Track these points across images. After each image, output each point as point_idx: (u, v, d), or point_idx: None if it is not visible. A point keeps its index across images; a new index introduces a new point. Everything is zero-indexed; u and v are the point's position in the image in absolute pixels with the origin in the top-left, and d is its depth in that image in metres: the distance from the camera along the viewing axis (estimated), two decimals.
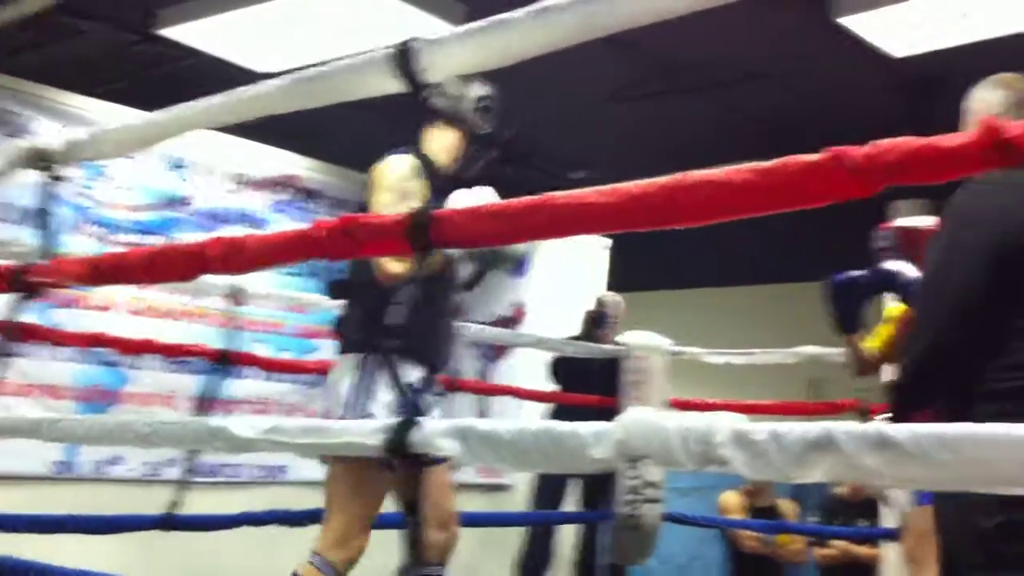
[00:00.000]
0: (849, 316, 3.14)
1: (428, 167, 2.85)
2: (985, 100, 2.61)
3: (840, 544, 5.52)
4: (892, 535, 4.55)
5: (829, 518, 5.50)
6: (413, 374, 2.77)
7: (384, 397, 2.73)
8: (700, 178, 1.29)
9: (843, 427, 1.35)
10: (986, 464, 1.21)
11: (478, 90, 3.00)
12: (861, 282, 3.03)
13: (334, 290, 3.07)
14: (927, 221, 3.16)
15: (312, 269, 5.18)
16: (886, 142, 1.15)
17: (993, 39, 4.72)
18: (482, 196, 2.66)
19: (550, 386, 5.39)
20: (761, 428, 1.40)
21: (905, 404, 2.14)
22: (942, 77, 5.78)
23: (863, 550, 5.33)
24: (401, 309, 2.67)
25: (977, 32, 4.68)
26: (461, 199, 2.60)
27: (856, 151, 1.17)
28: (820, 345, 4.77)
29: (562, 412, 5.02)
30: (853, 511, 5.51)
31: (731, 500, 5.82)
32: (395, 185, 2.75)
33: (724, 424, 1.43)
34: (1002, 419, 1.24)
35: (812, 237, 6.99)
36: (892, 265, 3.01)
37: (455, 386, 4.46)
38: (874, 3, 4.51)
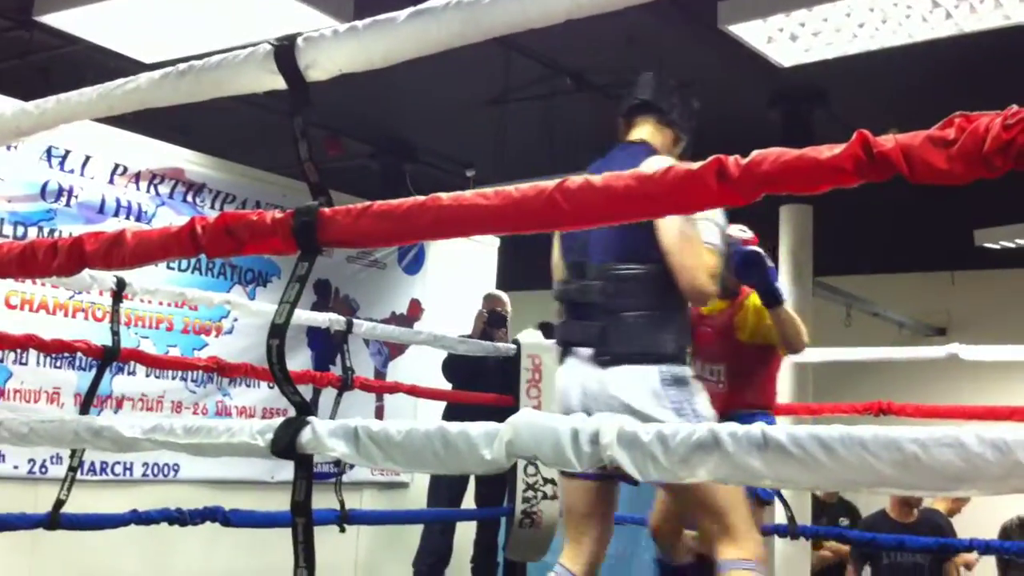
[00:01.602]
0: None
1: None
2: None
3: (833, 546, 5.64)
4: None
5: (815, 519, 5.60)
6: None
7: (700, 399, 2.62)
8: (581, 183, 1.30)
9: (728, 428, 1.37)
10: (863, 465, 1.24)
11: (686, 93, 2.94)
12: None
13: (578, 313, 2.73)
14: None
15: (209, 264, 5.08)
16: (762, 152, 1.18)
17: (875, 51, 4.87)
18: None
19: (446, 385, 5.39)
20: (648, 429, 1.42)
21: None
22: (825, 88, 5.96)
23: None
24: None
25: (860, 44, 4.81)
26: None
27: (733, 161, 1.19)
28: None
29: (457, 411, 5.01)
30: (833, 511, 5.62)
31: None
32: None
33: (612, 425, 1.45)
34: None
35: None
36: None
37: (350, 384, 4.42)
38: (761, 12, 4.60)
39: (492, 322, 5.38)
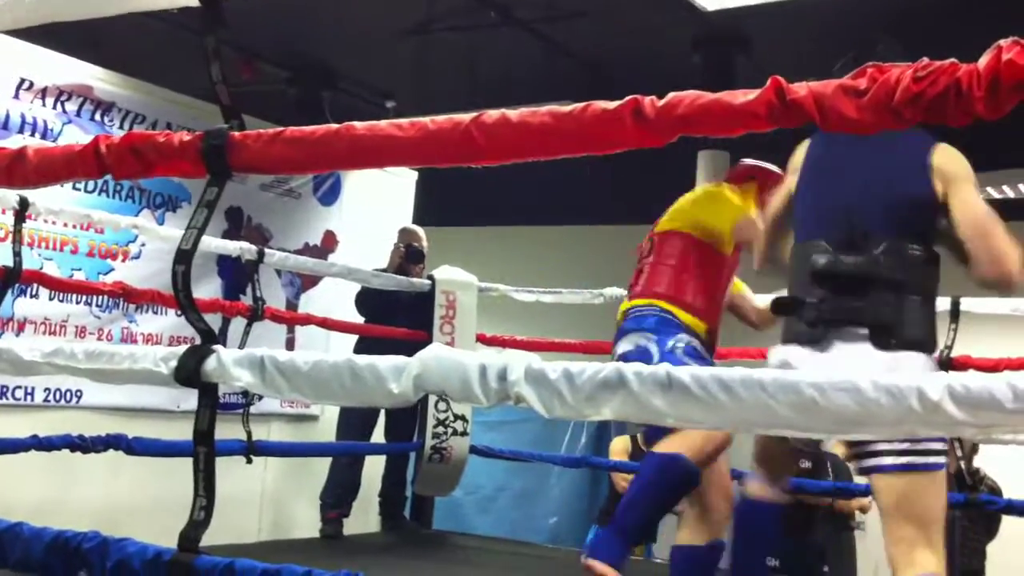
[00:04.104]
0: None
1: None
2: None
3: None
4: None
5: None
6: None
7: None
8: (498, 118, 1.29)
9: (634, 368, 1.39)
10: (764, 406, 1.27)
11: None
12: None
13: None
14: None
15: (116, 186, 4.94)
16: (679, 94, 1.18)
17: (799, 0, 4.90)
18: None
19: (359, 318, 5.35)
20: (555, 367, 1.43)
21: None
22: (748, 34, 6.00)
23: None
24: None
25: None
26: None
27: (649, 102, 1.19)
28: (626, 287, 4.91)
29: (369, 345, 4.99)
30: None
31: (617, 444, 5.95)
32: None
33: (519, 362, 1.45)
34: None
35: (622, 180, 7.17)
36: None
37: (260, 315, 4.37)
38: None
39: (410, 257, 5.34)
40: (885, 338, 2.34)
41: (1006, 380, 1.17)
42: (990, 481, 4.92)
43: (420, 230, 5.56)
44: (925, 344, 2.39)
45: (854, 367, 2.25)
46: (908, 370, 2.28)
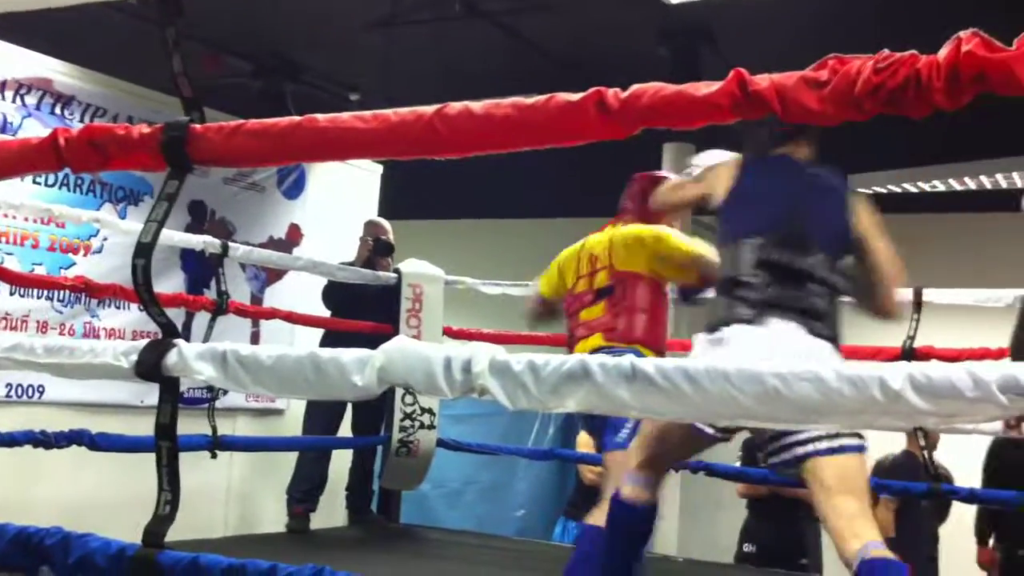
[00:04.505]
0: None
1: None
2: None
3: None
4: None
5: (751, 452, 5.60)
6: None
7: None
8: (461, 110, 1.29)
9: (598, 359, 1.39)
10: (727, 397, 1.27)
11: None
12: None
13: None
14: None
15: (77, 180, 4.88)
16: (642, 86, 1.18)
17: None
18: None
19: (325, 312, 5.32)
20: (519, 358, 1.43)
21: None
22: (712, 27, 6.02)
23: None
24: None
25: None
26: None
27: (613, 94, 1.19)
28: None
29: (335, 339, 4.97)
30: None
31: (584, 436, 5.94)
32: None
33: (484, 354, 1.45)
34: None
35: (588, 173, 7.18)
36: None
37: (224, 309, 4.33)
38: None
39: (378, 250, 5.32)
40: (812, 325, 2.59)
41: (967, 369, 1.18)
42: (942, 469, 4.99)
43: (387, 223, 5.54)
44: (837, 340, 2.67)
45: (782, 341, 2.55)
46: (824, 358, 2.52)
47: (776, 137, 2.93)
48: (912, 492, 4.43)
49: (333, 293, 5.25)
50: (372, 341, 1.62)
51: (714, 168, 2.92)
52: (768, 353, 2.53)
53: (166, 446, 1.68)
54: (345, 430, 5.31)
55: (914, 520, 5.09)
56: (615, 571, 2.87)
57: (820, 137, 2.94)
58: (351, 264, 5.20)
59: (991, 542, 5.36)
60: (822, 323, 2.62)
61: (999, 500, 4.44)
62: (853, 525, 2.42)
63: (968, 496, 4.28)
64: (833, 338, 2.65)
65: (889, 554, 2.35)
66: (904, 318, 3.97)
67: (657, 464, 2.85)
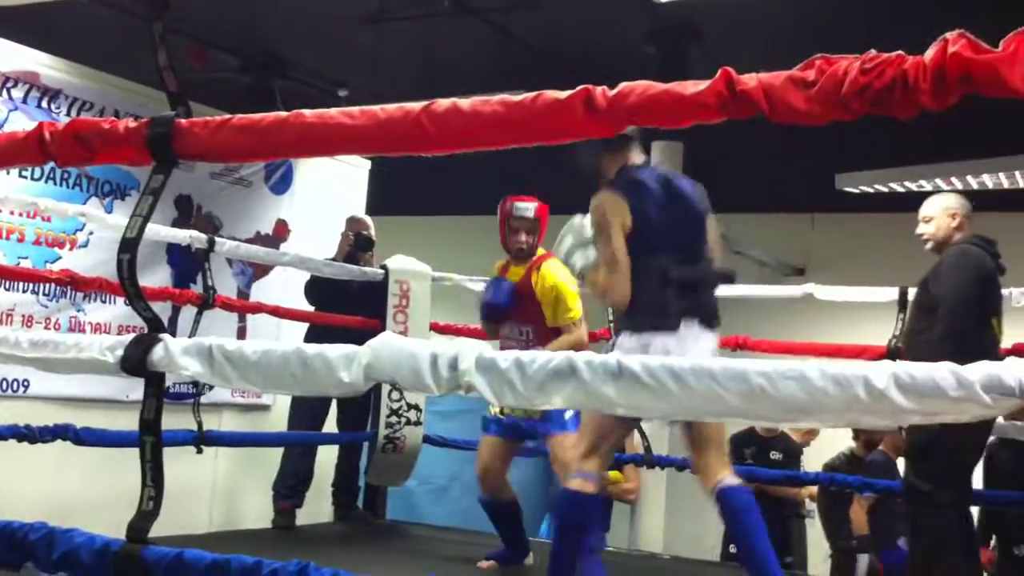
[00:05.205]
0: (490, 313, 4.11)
1: None
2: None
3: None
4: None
5: (739, 448, 5.61)
6: None
7: None
8: (448, 107, 1.29)
9: (585, 357, 1.39)
10: (713, 395, 1.28)
11: None
12: None
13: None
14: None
15: (64, 174, 4.85)
16: (630, 84, 1.18)
17: None
18: None
19: (310, 307, 5.31)
20: (506, 355, 1.43)
21: None
22: (700, 26, 6.02)
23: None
24: None
25: None
26: None
27: (600, 92, 1.19)
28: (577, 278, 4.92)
29: (319, 334, 4.95)
30: (765, 444, 5.69)
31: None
32: None
33: (471, 350, 1.45)
34: None
35: (575, 170, 7.18)
36: None
37: (211, 303, 4.32)
38: None
39: (360, 245, 5.31)
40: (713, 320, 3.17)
41: (950, 368, 1.19)
42: None
43: (368, 218, 5.53)
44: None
45: (695, 342, 3.05)
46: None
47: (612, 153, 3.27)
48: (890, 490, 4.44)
49: (315, 290, 5.23)
50: (356, 337, 1.62)
51: (610, 206, 3.16)
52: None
53: (150, 441, 1.68)
54: (330, 426, 5.30)
55: (888, 518, 5.12)
56: (568, 561, 3.07)
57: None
58: (333, 260, 5.19)
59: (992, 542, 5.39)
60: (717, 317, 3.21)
61: (991, 500, 4.47)
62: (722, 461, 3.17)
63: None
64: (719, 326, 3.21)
65: None
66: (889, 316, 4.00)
67: (602, 455, 3.12)
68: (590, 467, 3.08)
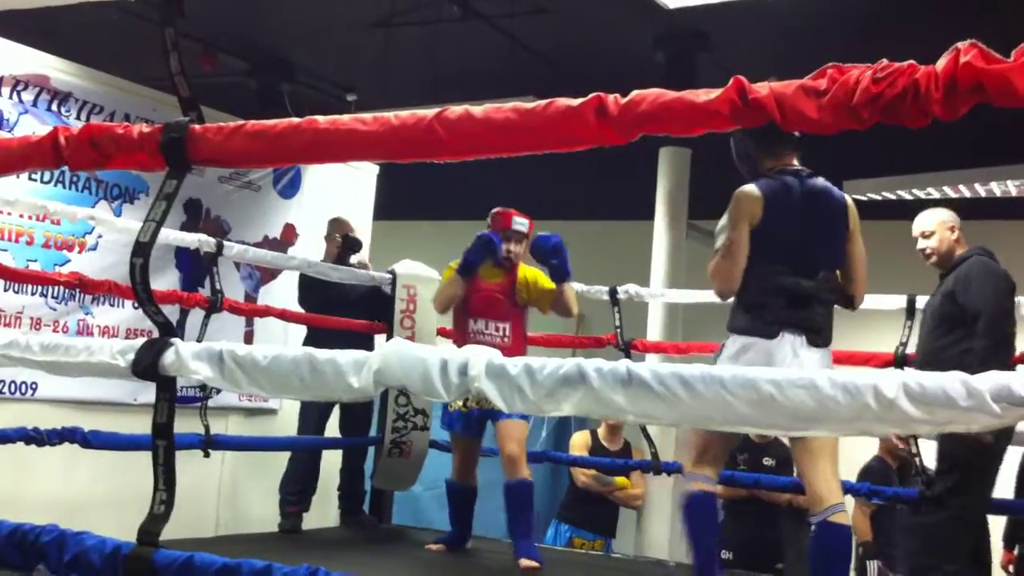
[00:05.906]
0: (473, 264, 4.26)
1: None
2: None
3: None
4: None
5: (733, 455, 5.58)
6: None
7: None
8: (461, 113, 1.29)
9: (594, 364, 1.40)
10: (723, 403, 1.28)
11: None
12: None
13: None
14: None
15: (73, 177, 4.87)
16: (641, 92, 1.18)
17: None
18: None
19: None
20: (516, 362, 1.43)
21: None
22: (708, 32, 6.03)
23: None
24: None
25: None
26: None
27: (612, 100, 1.19)
28: (585, 283, 4.94)
29: (319, 338, 4.92)
30: (759, 451, 5.67)
31: (578, 439, 5.95)
32: None
33: (480, 357, 1.46)
34: None
35: (584, 176, 7.19)
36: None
37: (219, 307, 4.33)
38: None
39: (347, 246, 5.29)
40: (817, 338, 3.17)
41: (960, 378, 1.19)
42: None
43: (348, 220, 5.50)
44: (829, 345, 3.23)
45: (794, 355, 3.10)
46: (828, 362, 3.21)
47: (766, 150, 3.30)
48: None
49: (308, 295, 5.18)
50: (354, 343, 1.62)
51: (745, 200, 3.22)
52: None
53: (163, 445, 1.68)
54: (332, 430, 5.30)
55: (889, 524, 5.11)
56: (707, 560, 3.20)
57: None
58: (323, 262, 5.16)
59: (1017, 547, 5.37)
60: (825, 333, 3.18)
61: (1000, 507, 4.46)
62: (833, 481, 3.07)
63: None
64: (826, 344, 3.19)
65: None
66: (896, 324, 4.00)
67: (710, 459, 3.22)
68: (705, 471, 3.20)
